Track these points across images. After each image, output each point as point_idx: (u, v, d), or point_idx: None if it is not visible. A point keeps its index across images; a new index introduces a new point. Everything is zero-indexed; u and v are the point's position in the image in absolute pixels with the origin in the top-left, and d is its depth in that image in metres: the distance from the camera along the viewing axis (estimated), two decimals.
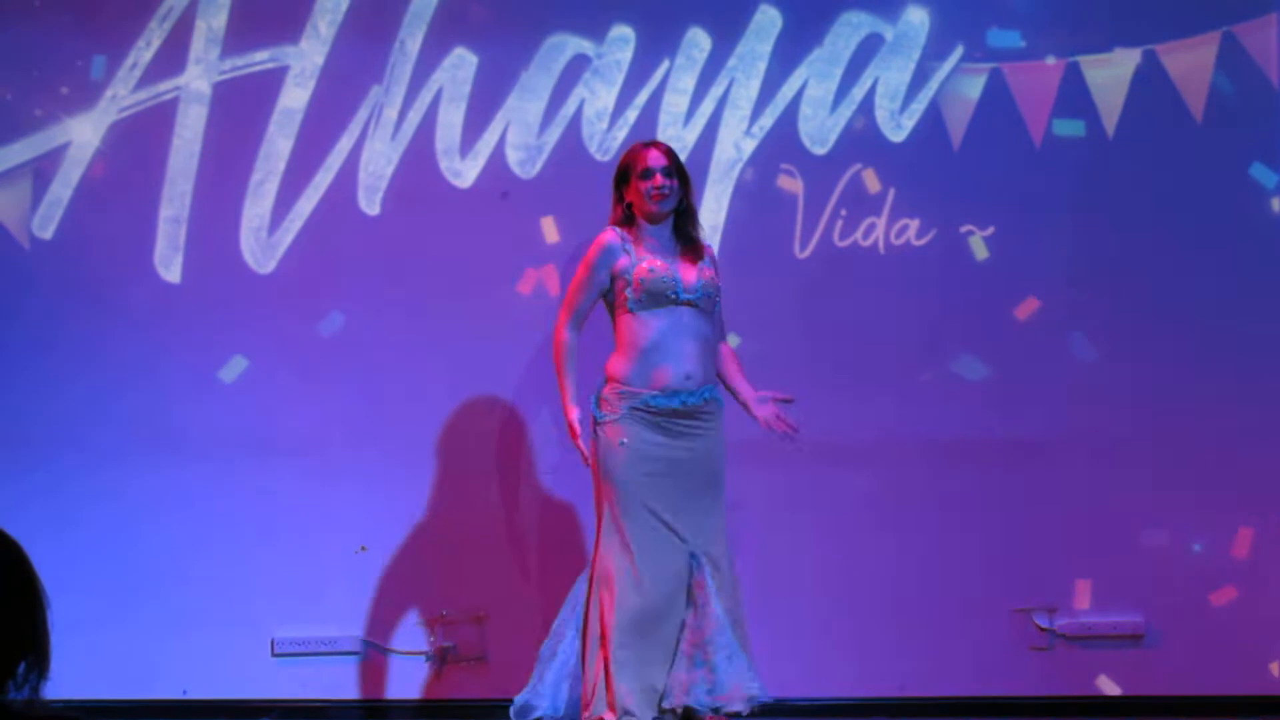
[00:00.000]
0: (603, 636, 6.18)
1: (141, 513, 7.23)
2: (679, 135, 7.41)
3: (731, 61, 7.44)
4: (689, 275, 6.34)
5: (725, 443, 6.39)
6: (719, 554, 6.29)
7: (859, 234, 7.48)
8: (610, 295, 6.39)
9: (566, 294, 6.46)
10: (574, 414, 6.36)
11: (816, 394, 7.30)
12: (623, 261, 6.34)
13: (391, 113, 7.36)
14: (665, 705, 6.17)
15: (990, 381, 7.49)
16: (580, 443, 6.35)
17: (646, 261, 6.32)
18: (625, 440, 6.24)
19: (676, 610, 6.19)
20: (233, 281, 7.31)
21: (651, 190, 6.35)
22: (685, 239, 6.43)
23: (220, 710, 7.25)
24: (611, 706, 6.12)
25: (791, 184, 7.42)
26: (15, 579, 2.87)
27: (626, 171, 6.42)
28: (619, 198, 6.44)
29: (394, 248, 7.36)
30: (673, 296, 6.31)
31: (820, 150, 7.45)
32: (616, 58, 7.43)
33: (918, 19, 7.49)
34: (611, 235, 6.39)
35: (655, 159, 6.38)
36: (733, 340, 7.34)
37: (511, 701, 6.33)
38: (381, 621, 7.31)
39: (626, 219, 6.42)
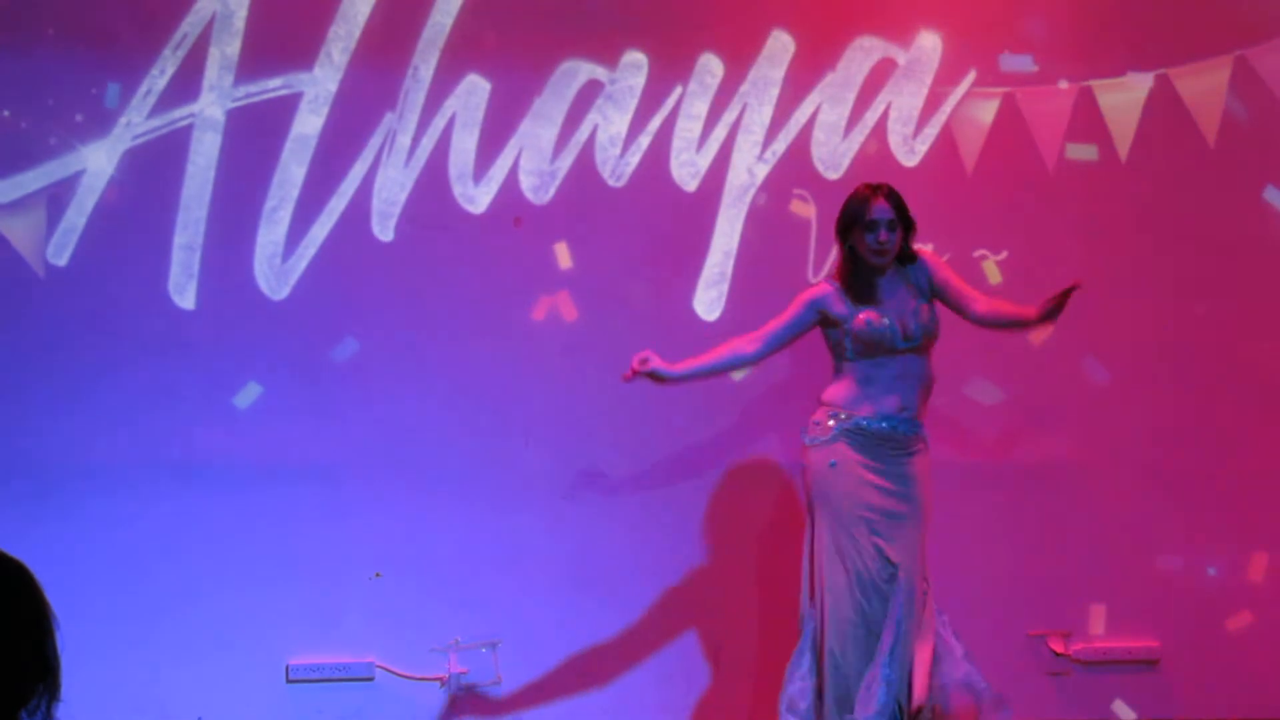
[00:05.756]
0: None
1: (155, 538, 7.22)
2: (691, 160, 7.41)
3: (744, 87, 7.45)
4: (907, 322, 6.41)
5: (931, 478, 6.51)
6: (915, 576, 6.40)
7: None
8: (829, 338, 6.51)
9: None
10: (654, 362, 6.48)
11: None
12: (838, 309, 6.43)
13: (405, 139, 7.36)
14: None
15: (1004, 405, 7.48)
16: (635, 360, 6.48)
17: (864, 314, 6.39)
18: (835, 461, 6.35)
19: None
20: (247, 308, 7.30)
21: (874, 244, 6.41)
22: (902, 273, 6.50)
23: None
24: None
25: (804, 209, 7.42)
26: (26, 606, 2.87)
27: (851, 221, 6.45)
28: (843, 241, 6.48)
29: (408, 274, 7.36)
30: (890, 346, 6.42)
31: (833, 175, 7.45)
32: (629, 84, 7.43)
33: (930, 44, 7.49)
34: (824, 287, 6.52)
35: (880, 210, 6.42)
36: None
37: None
38: (396, 647, 7.30)
39: (851, 259, 6.46)
